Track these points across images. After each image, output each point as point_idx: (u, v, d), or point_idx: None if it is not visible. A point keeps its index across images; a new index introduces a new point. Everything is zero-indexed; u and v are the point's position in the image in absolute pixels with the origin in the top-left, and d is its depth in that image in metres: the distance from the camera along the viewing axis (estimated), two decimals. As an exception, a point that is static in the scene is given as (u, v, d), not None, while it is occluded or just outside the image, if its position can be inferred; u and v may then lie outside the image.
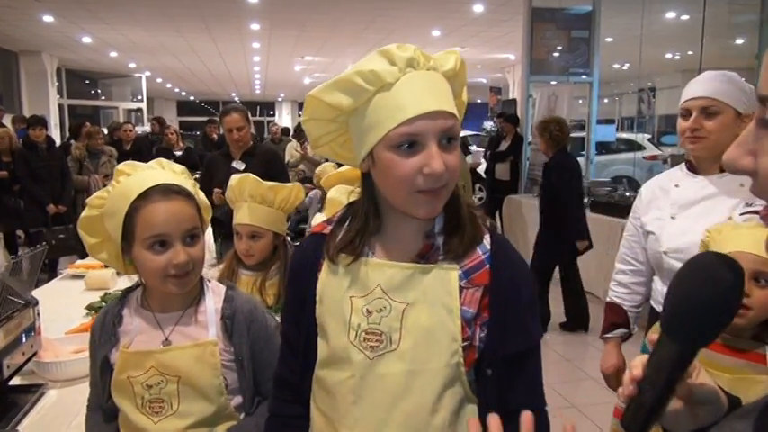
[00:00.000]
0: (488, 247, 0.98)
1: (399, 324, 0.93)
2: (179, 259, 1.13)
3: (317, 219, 1.71)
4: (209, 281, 1.30)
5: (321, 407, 1.00)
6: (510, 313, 0.95)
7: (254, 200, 1.92)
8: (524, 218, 6.48)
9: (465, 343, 0.93)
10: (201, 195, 1.29)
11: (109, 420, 1.26)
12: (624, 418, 0.72)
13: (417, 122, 0.87)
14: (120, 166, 1.24)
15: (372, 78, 0.89)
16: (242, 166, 3.48)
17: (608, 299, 1.92)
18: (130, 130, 7.22)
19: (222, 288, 1.29)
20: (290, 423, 1.06)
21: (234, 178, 1.97)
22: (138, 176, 1.20)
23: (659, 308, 1.71)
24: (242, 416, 1.25)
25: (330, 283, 0.98)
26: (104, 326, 1.25)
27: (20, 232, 6.03)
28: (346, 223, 1.01)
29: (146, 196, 1.15)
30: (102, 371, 1.23)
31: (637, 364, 0.71)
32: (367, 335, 0.94)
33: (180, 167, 1.28)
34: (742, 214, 1.46)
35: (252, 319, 1.26)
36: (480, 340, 0.95)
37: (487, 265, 0.96)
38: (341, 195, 1.53)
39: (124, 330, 1.23)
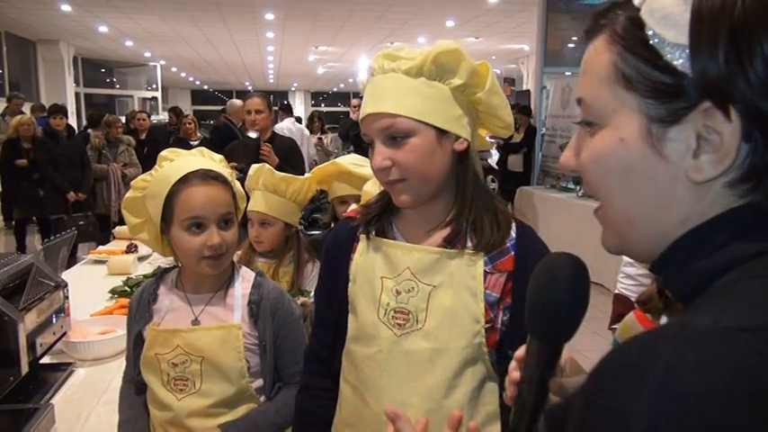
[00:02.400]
0: (513, 235, 1.02)
1: (426, 305, 0.99)
2: (213, 241, 1.19)
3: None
4: (240, 266, 1.36)
5: (349, 379, 1.07)
6: None
7: (266, 188, 1.96)
8: (536, 209, 6.49)
9: (488, 325, 0.99)
10: (237, 184, 1.34)
11: (140, 393, 1.33)
12: (511, 421, 0.70)
13: (364, 125, 0.99)
14: (164, 153, 1.31)
15: (361, 87, 1.03)
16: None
17: (616, 290, 1.95)
18: (144, 119, 7.31)
19: (252, 274, 1.35)
20: (319, 395, 1.14)
21: (252, 167, 2.03)
22: (179, 162, 1.26)
23: None
24: (262, 398, 1.30)
25: (364, 265, 1.05)
26: (140, 302, 1.31)
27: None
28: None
29: (186, 180, 1.21)
30: (135, 345, 1.29)
31: (515, 366, 0.71)
32: (395, 313, 1.01)
33: (219, 156, 1.35)
34: None
35: (278, 306, 1.31)
36: (503, 323, 1.00)
37: (512, 252, 1.01)
38: (375, 188, 1.60)
39: (158, 308, 1.29)
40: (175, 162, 1.27)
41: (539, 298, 0.62)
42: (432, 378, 0.97)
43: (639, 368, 0.38)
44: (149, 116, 7.97)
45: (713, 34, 0.43)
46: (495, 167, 8.55)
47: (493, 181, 9.63)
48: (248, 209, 1.98)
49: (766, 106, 0.42)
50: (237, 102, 6.23)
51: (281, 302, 1.32)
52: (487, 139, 1.18)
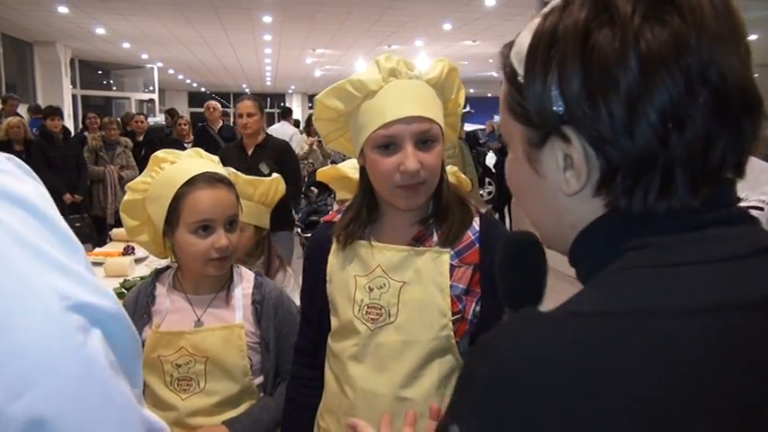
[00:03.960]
0: (477, 228, 1.09)
1: (397, 300, 1.06)
2: (221, 243, 1.20)
3: None
4: (239, 267, 1.37)
5: (333, 369, 1.15)
6: None
7: None
8: (533, 212, 6.50)
9: (456, 316, 1.05)
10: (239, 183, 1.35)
11: None
12: None
13: (394, 126, 1.00)
14: (161, 154, 1.30)
15: (360, 86, 1.04)
16: (266, 170, 3.48)
17: None
18: (142, 121, 7.29)
19: (251, 274, 1.36)
20: (305, 384, 1.23)
21: None
22: (182, 164, 1.26)
23: None
24: (261, 395, 1.32)
25: (338, 265, 1.12)
26: (138, 305, 1.30)
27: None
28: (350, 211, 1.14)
29: (192, 183, 1.22)
30: None
31: None
32: (369, 309, 1.08)
33: (216, 157, 1.35)
34: None
35: (279, 304, 1.33)
36: (474, 314, 1.06)
37: (477, 245, 1.08)
38: None
39: (157, 310, 1.29)
40: (178, 165, 1.26)
41: (498, 270, 0.75)
42: (399, 368, 1.05)
43: (491, 342, 0.47)
44: (147, 118, 7.94)
45: (532, 67, 0.51)
46: (493, 170, 8.56)
47: (490, 184, 9.66)
48: None
49: (577, 121, 0.48)
50: (212, 103, 6.21)
51: (282, 301, 1.35)
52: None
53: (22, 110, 7.93)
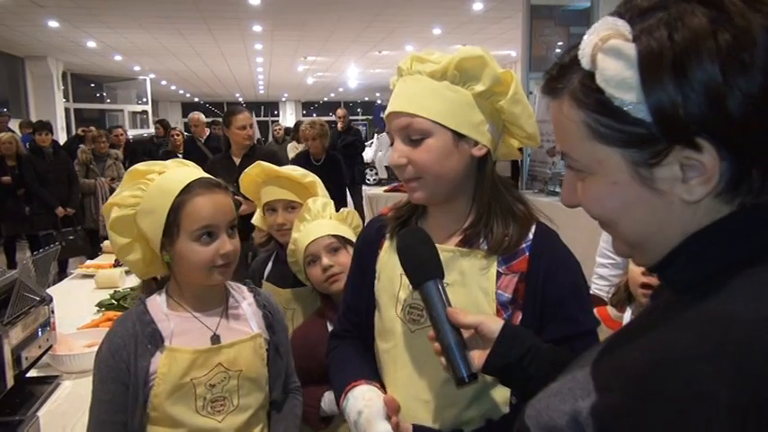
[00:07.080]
0: (530, 237, 1.03)
1: None
2: (225, 249, 1.17)
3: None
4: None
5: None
6: (547, 301, 0.99)
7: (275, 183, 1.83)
8: (525, 213, 6.53)
9: None
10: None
11: None
12: (450, 370, 0.85)
13: (387, 123, 1.03)
14: (141, 167, 1.23)
15: (391, 86, 1.07)
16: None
17: (590, 291, 2.01)
18: (121, 134, 7.37)
19: (242, 286, 1.34)
20: (348, 336, 1.21)
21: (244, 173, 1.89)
22: (174, 173, 1.21)
23: None
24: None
25: (387, 262, 1.09)
26: (138, 336, 1.17)
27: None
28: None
29: (189, 190, 1.17)
30: (145, 383, 1.16)
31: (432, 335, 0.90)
32: (410, 309, 1.04)
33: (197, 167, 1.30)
34: None
35: (277, 308, 1.35)
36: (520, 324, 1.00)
37: (527, 253, 1.01)
38: None
39: (164, 335, 1.19)
40: (168, 174, 1.21)
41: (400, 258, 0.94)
42: (443, 374, 0.97)
43: (713, 353, 0.45)
44: (126, 131, 8.03)
45: (657, 82, 0.50)
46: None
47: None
48: (269, 199, 1.85)
49: (715, 124, 0.49)
50: (194, 117, 6.24)
51: (278, 307, 1.36)
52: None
53: (14, 125, 7.95)
